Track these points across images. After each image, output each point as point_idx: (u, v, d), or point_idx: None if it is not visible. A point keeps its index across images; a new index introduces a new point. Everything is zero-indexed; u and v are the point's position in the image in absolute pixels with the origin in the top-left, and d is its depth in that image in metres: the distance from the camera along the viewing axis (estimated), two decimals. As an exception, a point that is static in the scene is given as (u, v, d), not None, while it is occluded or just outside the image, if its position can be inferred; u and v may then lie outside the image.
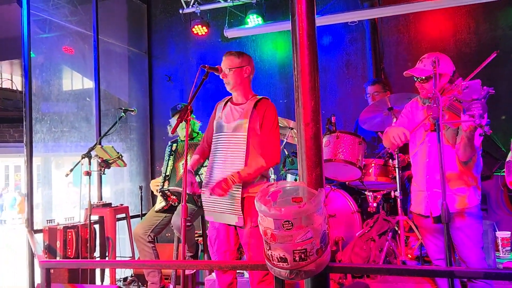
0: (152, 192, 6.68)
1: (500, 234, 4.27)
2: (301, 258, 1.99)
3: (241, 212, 2.94)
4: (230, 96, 3.26)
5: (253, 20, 5.94)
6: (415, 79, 2.93)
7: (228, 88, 3.16)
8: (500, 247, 4.22)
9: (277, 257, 2.03)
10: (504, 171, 3.90)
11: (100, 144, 4.58)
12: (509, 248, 4.21)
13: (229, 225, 3.07)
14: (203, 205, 3.15)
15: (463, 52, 5.36)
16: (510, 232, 4.30)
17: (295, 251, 1.98)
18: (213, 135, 3.19)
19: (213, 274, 3.99)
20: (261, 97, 3.16)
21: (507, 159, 3.84)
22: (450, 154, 2.78)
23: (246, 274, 3.84)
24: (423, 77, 2.86)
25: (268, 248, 2.06)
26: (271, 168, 4.44)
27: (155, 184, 4.35)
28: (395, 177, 3.85)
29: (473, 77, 2.64)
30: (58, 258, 4.44)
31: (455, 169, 2.80)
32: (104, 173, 4.59)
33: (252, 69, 3.22)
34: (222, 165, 3.06)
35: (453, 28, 5.54)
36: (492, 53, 2.76)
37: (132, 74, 7.04)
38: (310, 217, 1.99)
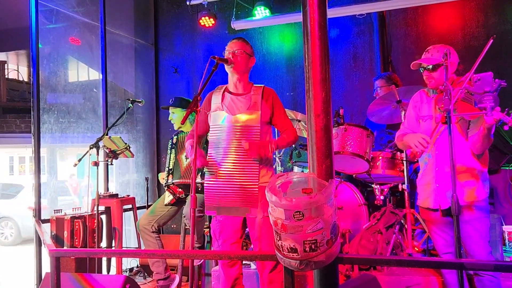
0: (158, 182, 6.72)
1: (507, 228, 4.27)
2: (311, 248, 2.00)
3: (257, 203, 2.94)
4: (225, 85, 3.23)
5: (261, 12, 5.92)
6: (421, 70, 2.92)
7: (231, 72, 3.11)
8: (507, 241, 4.22)
9: (287, 248, 2.03)
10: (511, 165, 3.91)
11: (107, 134, 4.60)
12: (515, 242, 4.20)
13: (235, 217, 3.05)
14: (205, 199, 3.10)
15: (472, 46, 5.33)
16: (517, 226, 4.30)
17: (305, 242, 1.99)
18: (213, 125, 3.15)
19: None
20: (262, 85, 3.17)
21: (515, 154, 3.85)
22: (462, 145, 2.77)
23: (253, 266, 3.86)
24: (430, 66, 2.85)
25: (278, 239, 2.07)
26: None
27: (163, 178, 4.37)
28: (402, 170, 3.85)
29: (483, 69, 2.62)
30: (65, 248, 4.47)
31: (466, 161, 2.79)
32: (111, 164, 4.61)
33: (253, 63, 3.23)
34: (232, 156, 3.03)
35: (461, 22, 5.51)
36: (488, 41, 2.74)
37: (139, 66, 7.03)
38: (321, 208, 1.99)
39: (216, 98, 3.18)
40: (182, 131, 4.35)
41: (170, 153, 4.25)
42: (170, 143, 4.30)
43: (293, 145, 4.62)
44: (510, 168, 4.07)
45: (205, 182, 3.11)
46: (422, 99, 3.02)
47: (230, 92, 3.18)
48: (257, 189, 2.95)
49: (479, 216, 2.77)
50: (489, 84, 2.34)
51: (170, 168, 4.17)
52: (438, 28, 5.59)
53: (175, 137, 4.31)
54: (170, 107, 4.44)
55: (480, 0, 5.37)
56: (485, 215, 2.79)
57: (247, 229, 3.18)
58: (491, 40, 2.63)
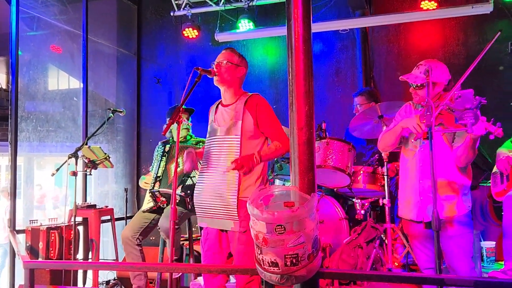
0: (138, 193, 6.62)
1: (485, 244, 4.32)
2: (292, 263, 1.98)
3: (236, 216, 2.88)
4: (220, 100, 3.21)
5: (245, 25, 5.94)
6: (410, 85, 2.94)
7: (216, 81, 3.06)
8: (485, 257, 4.26)
9: (268, 262, 2.01)
10: (490, 182, 3.96)
11: (87, 144, 4.52)
12: (493, 258, 4.25)
13: (222, 230, 3.02)
14: (195, 210, 3.08)
15: (452, 63, 5.41)
16: (494, 242, 4.35)
17: (286, 256, 1.97)
18: (206, 139, 3.14)
19: (199, 278, 3.95)
20: (251, 94, 3.10)
21: (493, 171, 3.90)
22: (447, 158, 2.79)
23: (232, 279, 3.81)
24: (418, 84, 2.87)
25: (259, 252, 2.04)
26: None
27: (145, 182, 4.30)
28: (383, 185, 3.86)
29: (464, 86, 2.66)
30: (40, 259, 4.37)
31: (448, 175, 2.80)
32: (90, 174, 4.52)
33: (245, 73, 3.18)
34: (214, 169, 3.01)
35: (442, 40, 5.61)
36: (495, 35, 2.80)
37: (121, 75, 6.98)
38: (302, 222, 1.98)
39: (212, 112, 3.20)
40: (171, 140, 4.30)
41: (161, 160, 4.15)
42: (162, 151, 4.20)
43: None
44: (488, 184, 4.12)
45: (194, 193, 3.09)
46: (409, 112, 3.04)
47: (222, 105, 3.16)
48: (235, 203, 2.89)
49: (462, 232, 2.78)
50: (469, 101, 2.36)
51: (158, 175, 4.10)
52: (420, 45, 5.68)
53: (168, 145, 4.22)
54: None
55: (460, 19, 5.47)
56: (468, 230, 2.80)
57: None
58: (499, 33, 2.65)
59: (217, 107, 3.19)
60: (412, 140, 2.94)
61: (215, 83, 3.09)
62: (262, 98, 3.07)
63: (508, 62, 5.28)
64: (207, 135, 3.16)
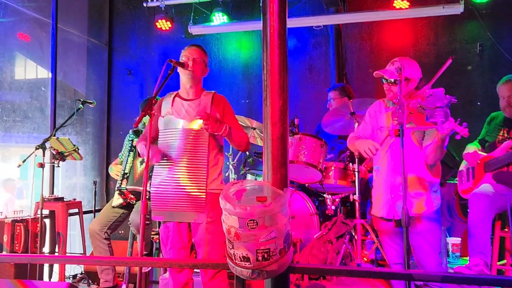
0: (107, 187, 6.52)
1: (451, 240, 4.42)
2: (264, 257, 1.98)
3: (204, 209, 2.92)
4: (176, 92, 3.21)
5: (219, 18, 5.90)
6: (383, 81, 2.97)
7: (187, 77, 3.07)
8: (450, 253, 4.36)
9: (239, 256, 2.00)
10: (457, 180, 4.05)
11: (55, 135, 4.42)
12: (459, 253, 4.35)
13: (180, 222, 3.03)
14: (151, 204, 3.05)
15: (422, 62, 5.40)
16: (460, 239, 4.45)
17: (258, 251, 1.97)
18: (162, 130, 3.12)
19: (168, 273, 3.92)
20: (212, 91, 3.15)
21: (460, 169, 3.99)
22: (416, 156, 2.84)
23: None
24: (393, 80, 2.90)
25: (231, 247, 2.03)
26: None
27: (115, 173, 4.21)
28: (354, 181, 3.90)
29: (433, 85, 2.71)
30: (4, 253, 4.25)
31: (418, 172, 2.85)
32: (58, 166, 4.42)
33: (207, 72, 3.23)
34: (181, 162, 2.99)
35: (413, 39, 5.70)
36: (447, 60, 2.84)
37: (91, 66, 6.84)
38: (275, 217, 1.98)
39: (166, 104, 3.16)
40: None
41: (128, 155, 4.08)
42: (130, 145, 4.12)
43: (247, 153, 4.61)
44: (455, 182, 4.21)
45: (152, 187, 3.06)
46: (380, 110, 3.07)
47: (180, 98, 3.15)
48: (204, 195, 2.93)
49: (431, 228, 2.84)
50: (440, 99, 2.41)
51: (126, 172, 4.03)
52: (391, 43, 5.75)
53: (136, 139, 4.14)
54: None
55: (431, 19, 5.57)
56: (436, 227, 2.86)
57: None
58: (450, 60, 2.72)
59: (173, 99, 3.16)
60: (384, 137, 2.97)
61: (186, 77, 3.10)
62: (225, 98, 3.17)
63: (476, 63, 5.41)
64: (162, 126, 3.12)
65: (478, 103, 5.37)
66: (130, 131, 4.23)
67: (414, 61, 2.98)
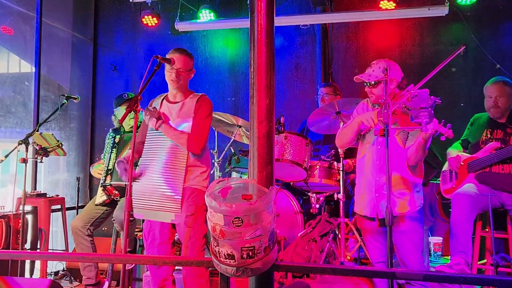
0: (90, 183, 6.45)
1: (433, 240, 4.48)
2: (248, 255, 1.98)
3: (179, 210, 2.95)
4: (165, 94, 3.24)
5: (206, 15, 5.88)
6: (365, 84, 2.99)
7: (174, 85, 3.11)
8: (432, 252, 4.42)
9: (224, 254, 2.01)
10: (439, 180, 4.10)
11: (38, 130, 4.36)
12: (440, 252, 4.41)
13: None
14: (133, 202, 3.04)
15: (407, 63, 5.56)
16: (442, 238, 4.51)
17: (243, 248, 1.97)
18: (148, 132, 3.17)
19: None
20: (200, 94, 3.17)
21: (443, 169, 4.04)
22: (400, 156, 2.87)
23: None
24: (372, 82, 2.93)
25: (216, 245, 2.04)
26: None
27: (98, 172, 4.19)
28: (338, 180, 3.93)
29: (422, 86, 2.74)
30: (-15, 249, 4.20)
31: (402, 172, 2.88)
32: (41, 161, 4.37)
33: (193, 74, 3.23)
34: (160, 163, 3.03)
35: (399, 40, 5.74)
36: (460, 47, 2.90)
37: (75, 61, 6.75)
38: (260, 215, 1.98)
39: (155, 106, 3.20)
40: (123, 130, 4.18)
41: (111, 152, 4.05)
42: (112, 142, 4.09)
43: (232, 150, 4.60)
44: (438, 182, 4.26)
45: (134, 185, 3.07)
46: (366, 110, 3.09)
47: (168, 101, 3.19)
48: (179, 196, 2.95)
49: (414, 227, 2.87)
50: (425, 100, 2.43)
51: (109, 168, 4.00)
52: (377, 44, 5.79)
53: (117, 136, 4.11)
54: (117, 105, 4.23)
55: (417, 20, 5.62)
56: (419, 226, 2.89)
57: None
58: (462, 47, 2.75)
59: (161, 102, 3.20)
60: (369, 137, 3.00)
61: (171, 84, 3.13)
62: (209, 100, 3.17)
63: (460, 65, 5.47)
64: (149, 128, 3.16)
65: (462, 104, 5.44)
66: (110, 130, 4.20)
67: (393, 61, 3.01)
